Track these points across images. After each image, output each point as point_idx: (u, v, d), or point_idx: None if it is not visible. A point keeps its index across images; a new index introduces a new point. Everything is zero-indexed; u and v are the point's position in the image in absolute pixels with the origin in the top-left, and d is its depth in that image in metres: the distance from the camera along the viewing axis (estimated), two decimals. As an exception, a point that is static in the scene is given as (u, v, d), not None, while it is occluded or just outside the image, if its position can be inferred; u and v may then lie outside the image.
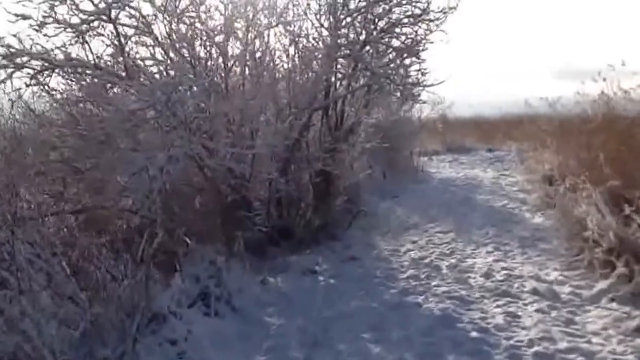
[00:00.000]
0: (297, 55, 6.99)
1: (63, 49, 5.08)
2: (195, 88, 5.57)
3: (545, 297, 4.90)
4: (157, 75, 5.61)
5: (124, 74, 5.34)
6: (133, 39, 5.56)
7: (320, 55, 6.94)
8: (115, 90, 5.50)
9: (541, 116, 13.24)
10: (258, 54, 6.43)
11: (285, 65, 7.01)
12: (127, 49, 5.43)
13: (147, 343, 3.36)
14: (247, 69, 6.32)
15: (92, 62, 5.25)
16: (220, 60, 6.13)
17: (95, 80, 5.34)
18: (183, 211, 5.25)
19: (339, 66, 7.37)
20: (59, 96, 5.40)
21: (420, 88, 7.20)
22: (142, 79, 5.42)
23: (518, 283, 5.34)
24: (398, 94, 7.72)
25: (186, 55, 5.76)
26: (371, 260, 6.41)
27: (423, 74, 7.11)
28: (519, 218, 8.69)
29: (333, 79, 7.31)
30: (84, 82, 5.44)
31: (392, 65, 7.26)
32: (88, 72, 5.34)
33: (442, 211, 9.31)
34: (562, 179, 8.48)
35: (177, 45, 5.71)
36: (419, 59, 7.21)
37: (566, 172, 8.59)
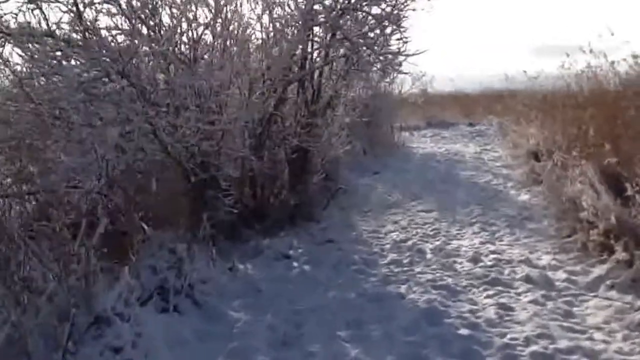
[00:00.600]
0: (270, 24, 6.46)
1: (14, 15, 4.54)
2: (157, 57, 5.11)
3: (539, 285, 4.50)
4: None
5: (81, 43, 4.80)
6: (94, 6, 5.00)
7: (295, 23, 6.41)
8: (72, 62, 4.97)
9: (522, 91, 12.96)
10: (229, 22, 5.89)
11: (259, 34, 6.48)
12: (87, 17, 4.87)
13: (84, 353, 2.85)
14: (216, 37, 5.77)
15: (46, 30, 4.70)
16: (186, 26, 5.57)
17: (48, 49, 4.80)
18: (141, 193, 4.73)
19: (315, 36, 6.85)
20: (18, 69, 4.84)
21: (402, 58, 6.70)
22: (99, 49, 4.88)
23: (508, 269, 4.94)
24: (378, 64, 7.22)
25: (150, 22, 5.21)
26: (350, 243, 5.97)
27: (405, 42, 6.60)
28: (504, 195, 8.35)
29: (309, 49, 6.78)
30: (33, 51, 4.89)
31: (371, 34, 6.76)
32: (40, 41, 4.79)
33: (424, 188, 8.96)
34: (549, 155, 8.15)
35: (140, 13, 5.14)
36: (400, 27, 6.71)
37: (552, 147, 8.25)
